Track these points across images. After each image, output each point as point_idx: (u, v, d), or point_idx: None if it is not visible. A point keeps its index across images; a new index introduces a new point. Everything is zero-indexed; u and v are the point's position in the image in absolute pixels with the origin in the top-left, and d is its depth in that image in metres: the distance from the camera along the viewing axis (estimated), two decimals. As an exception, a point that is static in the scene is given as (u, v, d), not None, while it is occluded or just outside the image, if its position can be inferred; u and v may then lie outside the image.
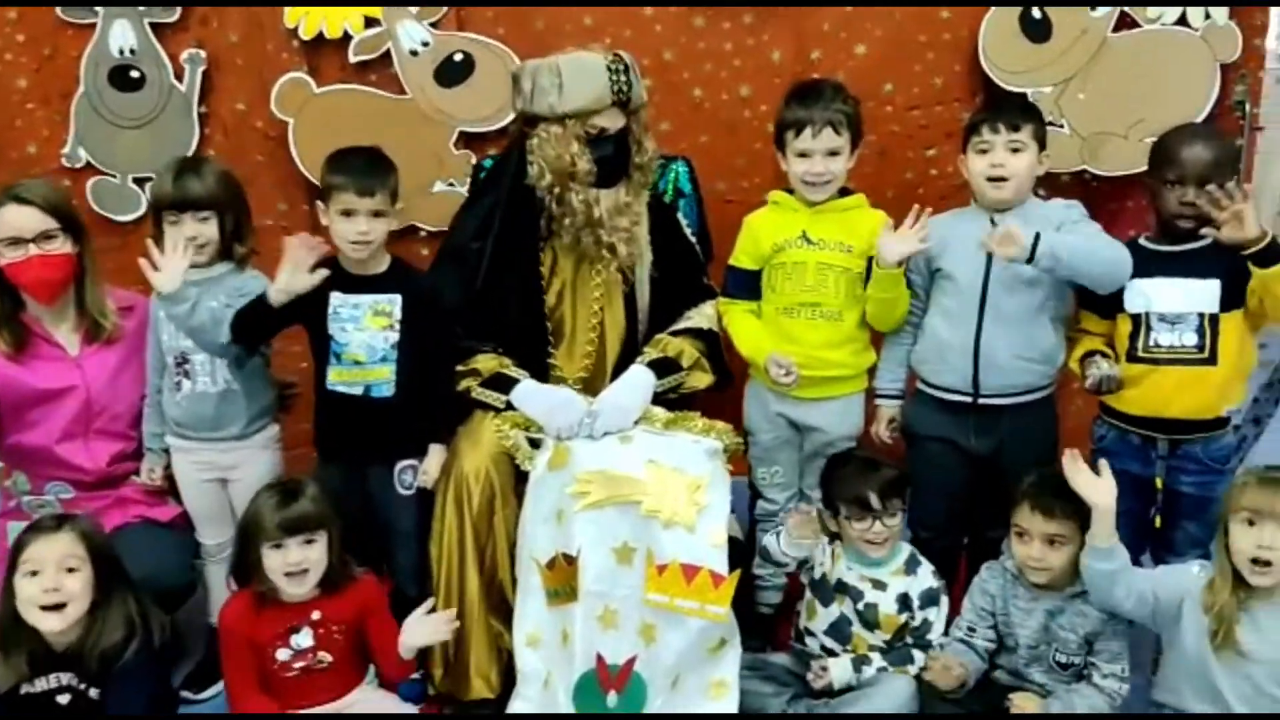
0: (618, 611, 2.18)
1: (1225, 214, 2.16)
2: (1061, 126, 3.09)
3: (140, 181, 3.32)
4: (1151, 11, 3.02)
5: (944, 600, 2.31)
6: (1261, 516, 1.97)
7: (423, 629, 2.17)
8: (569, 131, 2.37)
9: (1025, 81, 3.07)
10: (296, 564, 2.11)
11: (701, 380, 2.47)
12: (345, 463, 2.33)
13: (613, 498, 2.20)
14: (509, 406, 2.36)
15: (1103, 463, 2.11)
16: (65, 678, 2.04)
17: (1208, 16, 3.02)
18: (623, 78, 2.39)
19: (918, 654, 2.26)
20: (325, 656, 2.16)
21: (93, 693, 2.04)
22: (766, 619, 2.58)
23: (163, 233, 2.36)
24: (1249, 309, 2.28)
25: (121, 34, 3.22)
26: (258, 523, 2.11)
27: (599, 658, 2.18)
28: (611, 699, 2.17)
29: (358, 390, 2.30)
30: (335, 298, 2.27)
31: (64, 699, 2.04)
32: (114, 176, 3.33)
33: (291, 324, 2.31)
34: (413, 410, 2.33)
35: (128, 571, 2.13)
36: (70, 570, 1.99)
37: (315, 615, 2.16)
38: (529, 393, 2.36)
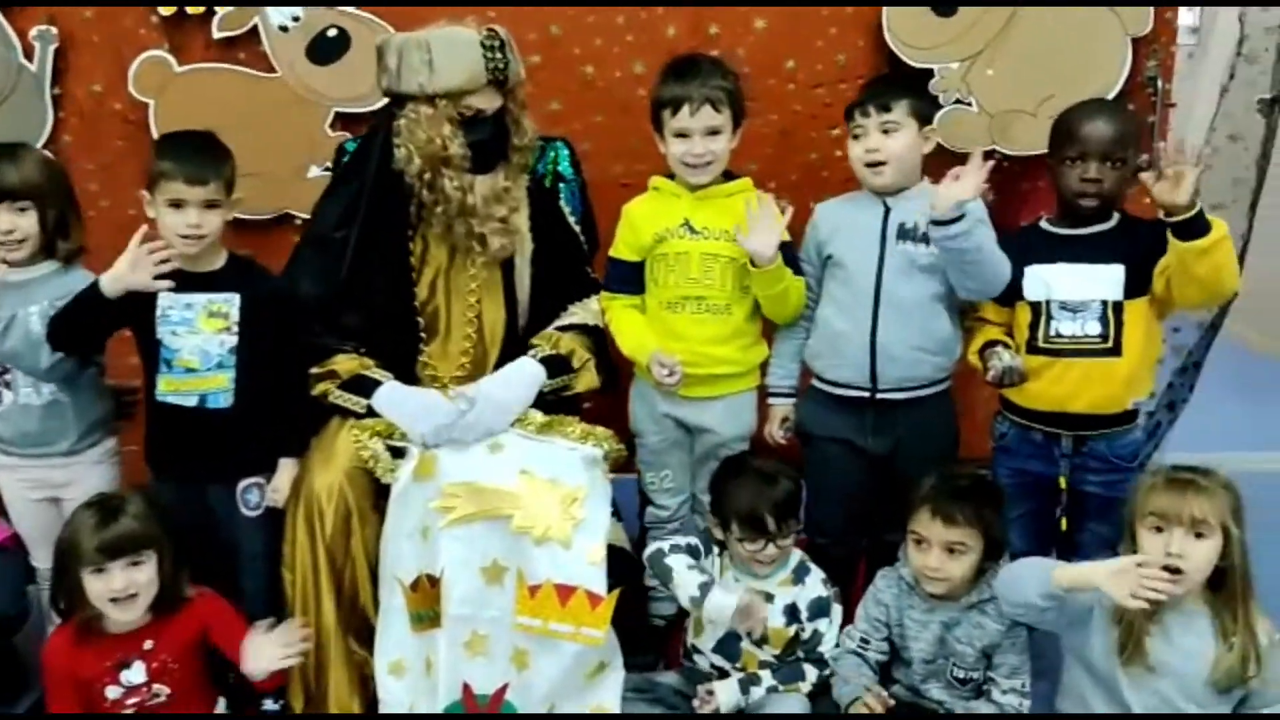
0: (487, 636, 2.02)
1: (1170, 169, 2.01)
2: (970, 104, 2.98)
3: (-12, 170, 3.09)
4: (1062, -17, 2.91)
5: (836, 610, 2.18)
6: (1169, 522, 1.85)
7: (267, 650, 1.98)
8: (440, 113, 2.20)
9: (931, 57, 2.94)
10: (122, 589, 1.92)
11: (589, 383, 2.31)
12: (180, 480, 2.13)
13: (481, 512, 2.04)
14: (370, 412, 2.17)
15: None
16: None
17: (1119, -13, 2.91)
18: (498, 55, 2.22)
19: (810, 669, 2.13)
20: (162, 690, 1.98)
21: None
22: (660, 632, 2.44)
23: None
24: (1155, 294, 2.16)
25: (-38, 9, 2.98)
26: (76, 545, 1.92)
27: (465, 687, 2.02)
28: None
29: (191, 401, 2.10)
30: (164, 298, 2.07)
31: None
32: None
33: (119, 327, 2.10)
34: (256, 423, 2.14)
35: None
36: None
37: (148, 645, 1.97)
38: (392, 396, 2.18)
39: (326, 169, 2.96)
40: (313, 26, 2.96)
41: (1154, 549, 1.86)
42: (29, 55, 3.02)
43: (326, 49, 2.97)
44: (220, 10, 2.95)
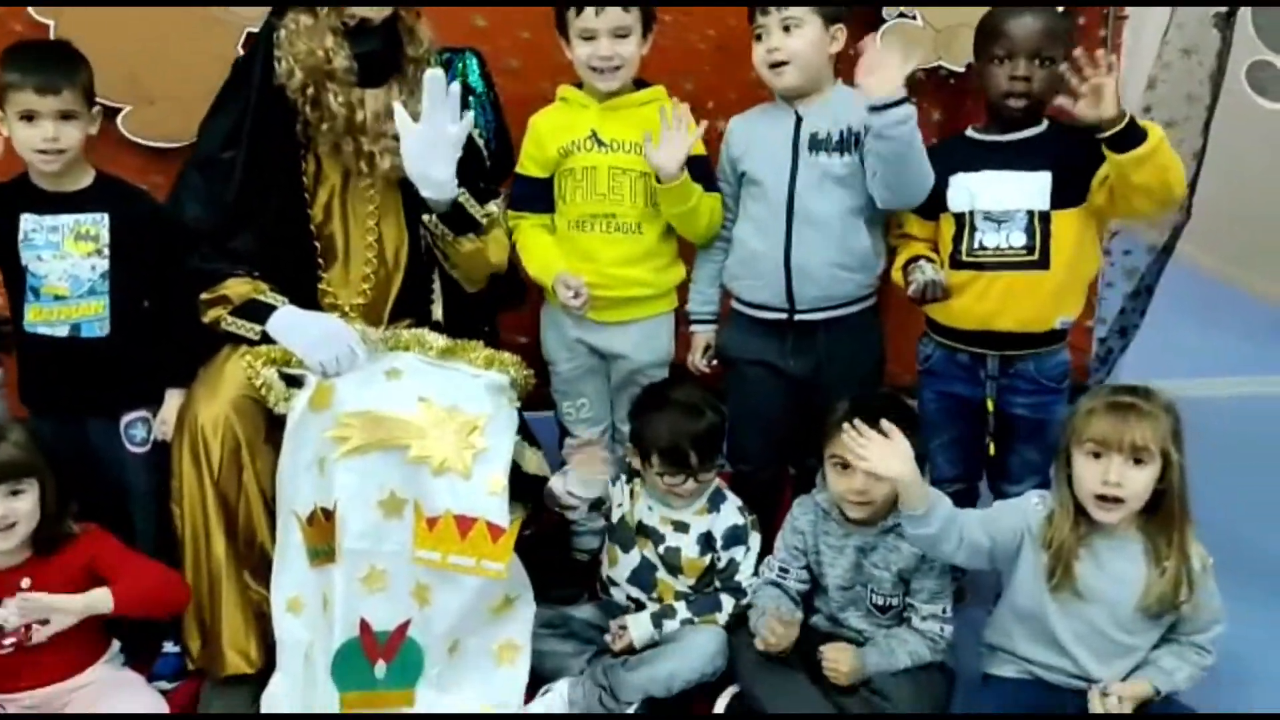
0: (386, 571, 1.95)
1: (1085, 85, 1.91)
2: (915, 18, 2.87)
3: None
4: (1006, -115, 2.78)
5: (754, 538, 2.12)
6: (1108, 449, 1.77)
7: None
8: (322, 22, 2.09)
9: (873, -36, 2.83)
10: (1, 518, 1.83)
11: (497, 255, 2.20)
12: (58, 416, 2.03)
13: (378, 441, 1.96)
14: (265, 338, 2.07)
15: (887, 424, 1.86)
16: None
17: (1068, -112, 2.78)
18: None
19: (726, 600, 2.07)
20: (40, 627, 1.88)
21: None
22: (584, 566, 2.37)
23: None
24: (1095, 206, 2.07)
25: None
26: None
27: (363, 623, 1.95)
28: (380, 669, 1.95)
29: (63, 331, 1.99)
30: (27, 220, 1.96)
31: None
32: None
33: None
34: (137, 353, 2.03)
35: None
36: None
37: (25, 583, 1.89)
38: (290, 321, 2.08)
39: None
40: (220, -60, 2.84)
41: (1091, 476, 1.78)
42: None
43: (237, -36, 2.85)
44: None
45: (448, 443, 1.95)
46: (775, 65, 2.10)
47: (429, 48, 2.20)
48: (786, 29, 2.08)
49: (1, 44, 2.81)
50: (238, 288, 2.11)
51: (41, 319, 2.00)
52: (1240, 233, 4.20)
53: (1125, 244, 3.04)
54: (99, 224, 2.00)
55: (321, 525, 1.98)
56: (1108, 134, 1.92)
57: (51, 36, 2.84)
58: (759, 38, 2.12)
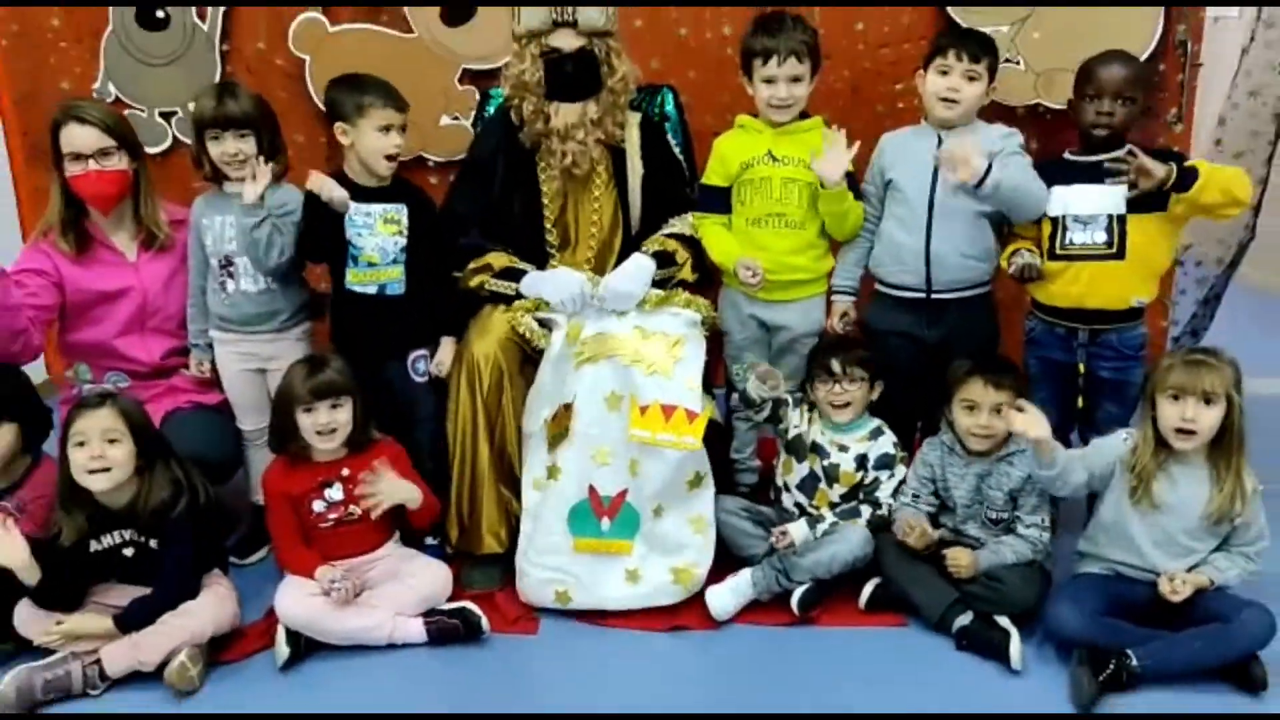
0: (608, 450, 2.65)
1: (1133, 174, 2.58)
2: (1017, 63, 3.52)
3: (166, 115, 3.76)
4: (1100, -44, 3.43)
5: (900, 468, 2.77)
6: (1185, 393, 2.39)
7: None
8: (525, 50, 2.81)
9: (984, 21, 3.47)
10: (326, 424, 2.55)
11: (687, 274, 2.91)
12: (362, 358, 2.74)
13: (604, 353, 2.67)
14: (518, 295, 2.79)
15: (1023, 403, 2.50)
16: (126, 534, 2.49)
17: (1153, -40, 3.42)
18: (565, 5, 2.78)
19: (864, 509, 2.72)
20: (355, 510, 2.62)
21: (152, 543, 2.50)
22: (746, 495, 3.03)
23: (205, 150, 2.77)
24: (1173, 214, 2.69)
25: (147, -25, 3.63)
26: (290, 390, 2.57)
27: (591, 489, 2.66)
28: (605, 524, 2.67)
29: (372, 289, 2.76)
30: (350, 206, 2.70)
31: (129, 552, 2.49)
32: (142, 110, 3.76)
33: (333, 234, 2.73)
34: (422, 305, 2.79)
35: (170, 443, 2.57)
36: (112, 441, 2.43)
37: (344, 472, 2.61)
38: (536, 278, 2.82)
39: (455, 118, 3.60)
40: (446, -8, 3.59)
41: (1172, 415, 2.40)
42: (202, 16, 3.68)
43: (458, 13, 3.61)
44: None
45: (656, 353, 2.65)
46: (948, 100, 2.75)
47: (625, 76, 2.87)
48: (970, 78, 2.74)
49: (267, 75, 3.69)
50: (497, 259, 2.85)
51: (357, 280, 2.76)
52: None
53: (1196, 255, 3.67)
54: (400, 212, 2.76)
55: (561, 416, 2.68)
56: (1167, 187, 2.58)
57: (307, 70, 3.64)
58: (944, 73, 2.75)
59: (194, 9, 3.66)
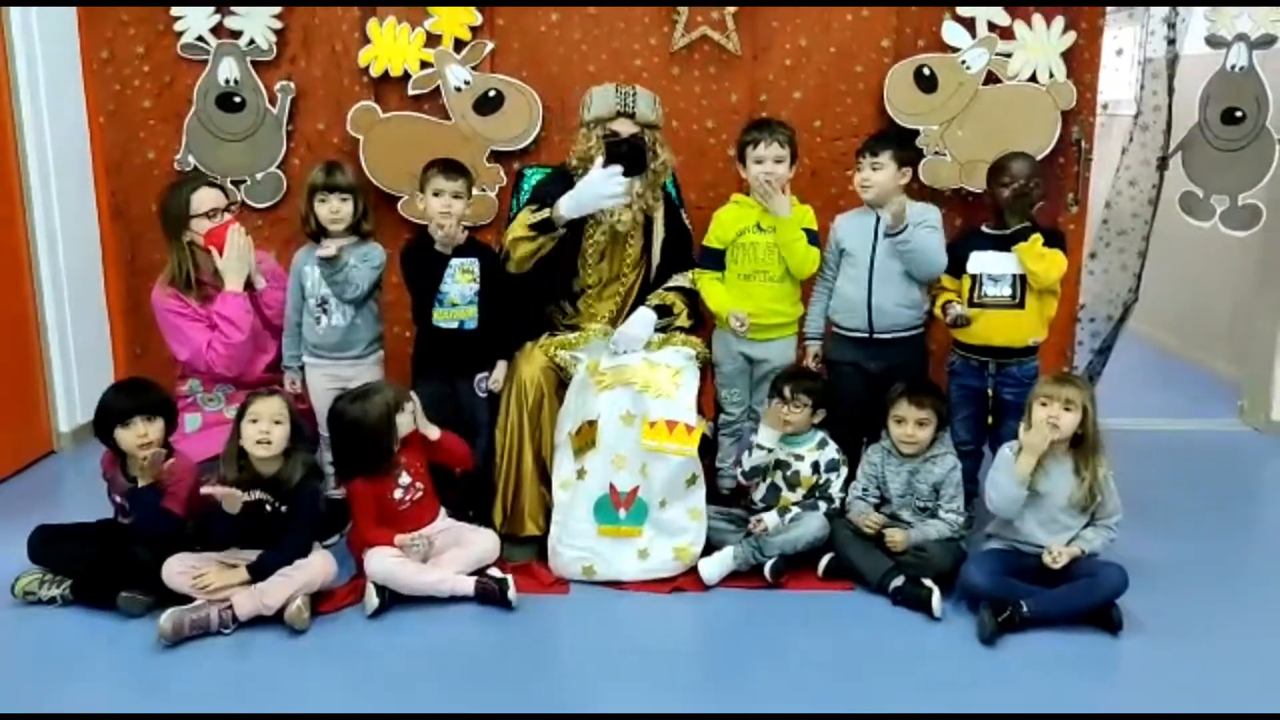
0: (625, 456, 3.52)
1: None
2: (944, 155, 4.47)
3: (236, 183, 4.58)
4: (1010, 70, 4.41)
5: (843, 470, 3.67)
6: (1051, 400, 3.30)
7: None
8: (591, 132, 3.70)
9: (917, 121, 4.46)
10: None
11: (684, 323, 3.82)
12: (440, 379, 3.62)
13: (619, 381, 3.54)
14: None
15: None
16: (266, 496, 3.30)
17: (1052, 75, 4.40)
18: (630, 97, 3.68)
19: (822, 504, 3.62)
20: (420, 487, 3.49)
21: (283, 508, 3.32)
22: (725, 498, 3.90)
23: (313, 210, 3.63)
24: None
25: (228, 68, 4.52)
26: (385, 415, 3.43)
27: (612, 486, 3.52)
28: (621, 514, 3.53)
29: (453, 325, 3.65)
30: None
31: (268, 509, 3.30)
32: (215, 178, 4.52)
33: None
34: (487, 338, 3.67)
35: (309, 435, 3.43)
36: (277, 423, 3.28)
37: (403, 460, 3.49)
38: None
39: (483, 190, 4.46)
40: (479, 88, 4.48)
41: (1040, 414, 3.31)
42: (272, 102, 4.54)
43: (488, 104, 4.51)
44: (414, 74, 4.45)
45: (661, 380, 3.53)
46: (864, 186, 3.71)
47: (665, 162, 3.76)
48: (874, 169, 3.70)
49: (324, 151, 4.57)
50: (523, 219, 3.65)
51: (442, 318, 3.64)
52: (1169, 311, 5.96)
53: (1090, 313, 4.62)
54: (474, 264, 3.65)
55: (586, 431, 3.54)
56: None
57: (360, 149, 4.48)
58: (859, 169, 3.73)
59: (266, 95, 4.51)
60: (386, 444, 3.41)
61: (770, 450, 3.57)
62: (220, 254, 3.59)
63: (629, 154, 3.63)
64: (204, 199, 3.63)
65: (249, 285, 3.66)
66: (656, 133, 3.74)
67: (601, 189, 3.56)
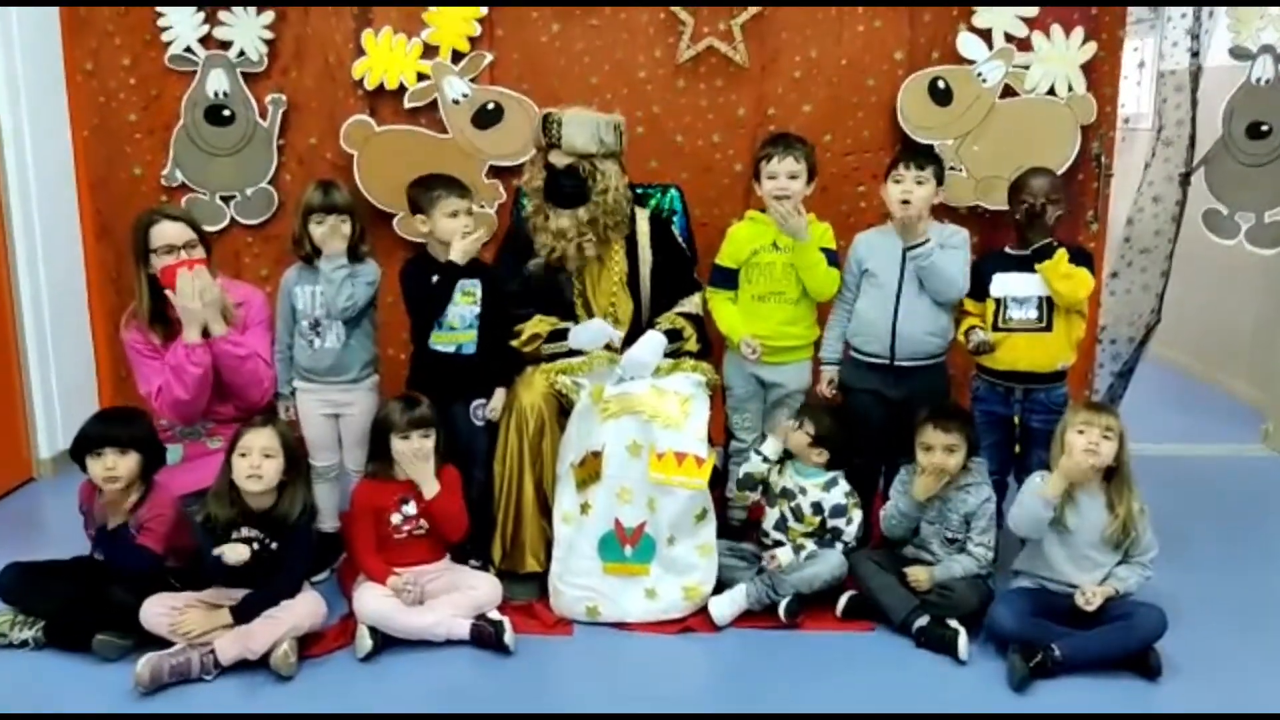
0: (631, 490, 3.29)
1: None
2: (960, 171, 4.28)
3: (226, 199, 4.38)
4: (1028, 83, 4.22)
5: (856, 512, 3.43)
6: (1090, 426, 3.11)
7: None
8: (536, 160, 3.56)
9: (932, 136, 4.26)
10: (417, 449, 3.21)
11: (691, 346, 3.60)
12: (435, 402, 3.35)
13: (625, 409, 3.31)
14: (570, 353, 3.46)
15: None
16: (256, 533, 3.07)
17: (1071, 88, 4.22)
18: (556, 128, 3.42)
19: (838, 545, 3.39)
20: (423, 524, 3.25)
21: (273, 545, 3.10)
22: (736, 530, 3.69)
23: (307, 231, 3.42)
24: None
25: (217, 80, 4.32)
26: (390, 420, 3.22)
27: (617, 521, 3.29)
28: (628, 550, 3.30)
29: (451, 349, 3.43)
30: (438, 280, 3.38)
31: (256, 546, 3.07)
32: (204, 194, 4.40)
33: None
34: (484, 363, 3.45)
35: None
36: (268, 456, 3.05)
37: (411, 488, 3.25)
38: (576, 333, 3.48)
39: (481, 206, 4.26)
40: (477, 101, 4.29)
41: (1080, 442, 3.10)
42: (263, 115, 4.34)
43: (487, 118, 4.31)
44: (410, 87, 4.26)
45: (669, 409, 3.30)
46: (904, 201, 3.45)
47: (615, 187, 3.48)
48: (919, 183, 3.45)
49: (317, 167, 4.36)
50: (540, 325, 3.51)
51: (439, 341, 3.42)
52: (1188, 332, 5.77)
53: (1112, 335, 4.42)
54: (475, 287, 3.43)
55: (590, 462, 3.31)
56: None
57: (355, 164, 4.29)
58: (898, 181, 3.46)
59: (256, 109, 4.31)
60: (383, 447, 3.24)
61: (768, 461, 3.40)
62: (175, 293, 3.31)
63: (563, 188, 3.47)
64: (162, 233, 3.35)
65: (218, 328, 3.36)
66: (594, 161, 3.46)
67: (598, 339, 3.45)
